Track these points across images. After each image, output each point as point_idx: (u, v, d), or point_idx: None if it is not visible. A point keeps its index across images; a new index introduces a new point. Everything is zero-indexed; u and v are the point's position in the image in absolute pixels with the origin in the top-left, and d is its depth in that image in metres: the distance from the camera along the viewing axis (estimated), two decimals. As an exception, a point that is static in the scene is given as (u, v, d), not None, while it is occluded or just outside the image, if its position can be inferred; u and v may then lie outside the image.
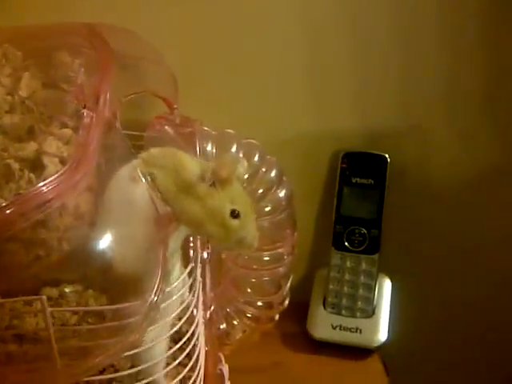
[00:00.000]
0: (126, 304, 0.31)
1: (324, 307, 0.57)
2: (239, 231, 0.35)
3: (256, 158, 0.43)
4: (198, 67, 0.53)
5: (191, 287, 0.39)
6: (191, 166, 0.35)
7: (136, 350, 0.34)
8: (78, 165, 0.30)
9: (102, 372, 0.36)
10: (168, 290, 0.33)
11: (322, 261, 0.59)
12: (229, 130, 0.42)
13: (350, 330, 0.55)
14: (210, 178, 0.34)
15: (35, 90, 0.36)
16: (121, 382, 0.36)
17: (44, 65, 0.38)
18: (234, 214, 0.34)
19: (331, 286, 0.57)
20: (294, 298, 0.60)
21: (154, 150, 0.36)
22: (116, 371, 0.36)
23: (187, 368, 0.39)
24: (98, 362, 0.29)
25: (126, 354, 0.33)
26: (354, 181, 0.56)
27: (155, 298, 0.31)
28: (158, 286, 0.32)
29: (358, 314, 0.56)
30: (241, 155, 0.42)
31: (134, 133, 0.39)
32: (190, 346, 0.39)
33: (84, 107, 0.33)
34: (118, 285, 0.32)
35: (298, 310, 0.59)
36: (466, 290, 0.62)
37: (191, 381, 0.40)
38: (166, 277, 0.33)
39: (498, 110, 0.57)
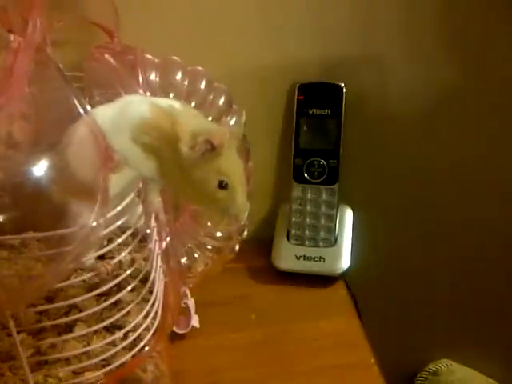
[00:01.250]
0: (65, 230, 0.30)
1: (288, 239, 0.58)
2: (225, 202, 0.34)
3: (203, 86, 0.42)
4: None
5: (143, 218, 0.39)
6: (183, 134, 0.33)
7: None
8: (4, 88, 0.30)
9: (67, 313, 0.36)
10: (110, 215, 0.33)
11: (285, 196, 0.59)
12: (173, 57, 0.41)
13: (313, 259, 0.57)
14: (200, 146, 0.33)
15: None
16: (86, 322, 0.36)
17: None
18: (222, 185, 0.34)
19: (294, 219, 0.58)
20: (260, 234, 0.61)
21: (149, 115, 0.34)
22: (80, 312, 0.36)
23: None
24: (37, 287, 0.29)
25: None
26: (310, 112, 0.56)
27: (94, 223, 0.31)
28: (97, 212, 0.31)
29: (321, 243, 0.57)
30: (185, 83, 0.41)
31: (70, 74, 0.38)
32: (142, 273, 0.38)
33: (9, 31, 0.32)
34: (57, 212, 0.31)
35: (264, 246, 0.60)
36: (426, 213, 0.63)
37: (150, 312, 0.40)
38: (106, 203, 0.32)
39: (455, 32, 0.56)
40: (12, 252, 0.35)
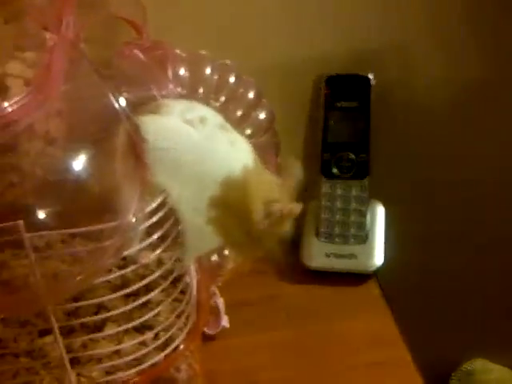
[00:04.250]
0: (104, 225, 0.30)
1: (317, 237, 0.57)
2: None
3: (232, 80, 0.42)
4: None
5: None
6: (256, 206, 0.34)
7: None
8: (43, 86, 0.30)
9: (96, 313, 0.36)
10: (148, 210, 0.33)
11: (314, 192, 0.58)
12: (201, 52, 0.41)
13: (344, 256, 0.56)
14: (273, 217, 0.34)
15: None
16: (115, 323, 0.36)
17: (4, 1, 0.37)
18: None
19: (323, 215, 0.57)
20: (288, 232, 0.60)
21: (222, 189, 0.34)
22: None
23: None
24: (77, 283, 0.29)
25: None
26: (338, 105, 0.55)
27: (133, 219, 0.31)
28: (135, 207, 0.31)
29: (352, 240, 0.56)
30: (215, 77, 0.41)
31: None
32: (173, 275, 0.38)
33: (45, 30, 0.32)
34: (94, 207, 0.31)
35: (293, 244, 0.58)
36: (458, 206, 0.62)
37: (183, 312, 0.40)
38: (144, 199, 0.32)
39: (480, 21, 0.55)
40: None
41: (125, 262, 0.36)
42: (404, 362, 0.48)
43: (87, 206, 0.31)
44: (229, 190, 0.34)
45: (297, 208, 0.35)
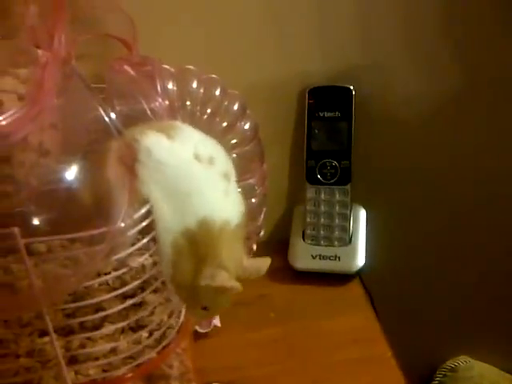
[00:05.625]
0: (95, 231, 0.32)
1: (303, 239, 0.60)
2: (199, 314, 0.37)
3: (217, 93, 0.44)
4: (158, 7, 0.52)
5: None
6: (211, 263, 0.34)
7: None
8: (36, 100, 0.32)
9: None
10: (136, 216, 0.35)
11: (300, 197, 0.61)
12: (188, 67, 0.43)
13: (329, 258, 0.58)
14: (213, 280, 0.34)
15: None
16: (112, 324, 0.38)
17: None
18: (205, 308, 0.36)
19: (308, 219, 0.59)
20: (276, 235, 0.62)
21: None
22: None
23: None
24: (70, 285, 0.31)
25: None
26: (321, 115, 0.58)
27: (122, 225, 0.33)
28: (124, 214, 0.33)
29: (336, 242, 0.59)
30: (201, 91, 0.43)
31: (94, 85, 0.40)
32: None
33: (37, 47, 0.35)
34: (85, 214, 0.33)
35: (280, 247, 0.61)
36: (435, 209, 0.64)
37: (174, 311, 0.42)
38: (133, 206, 0.34)
39: (457, 33, 0.57)
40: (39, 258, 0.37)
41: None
42: (384, 359, 0.50)
43: (79, 213, 0.33)
44: (202, 232, 0.34)
45: (237, 289, 0.35)
